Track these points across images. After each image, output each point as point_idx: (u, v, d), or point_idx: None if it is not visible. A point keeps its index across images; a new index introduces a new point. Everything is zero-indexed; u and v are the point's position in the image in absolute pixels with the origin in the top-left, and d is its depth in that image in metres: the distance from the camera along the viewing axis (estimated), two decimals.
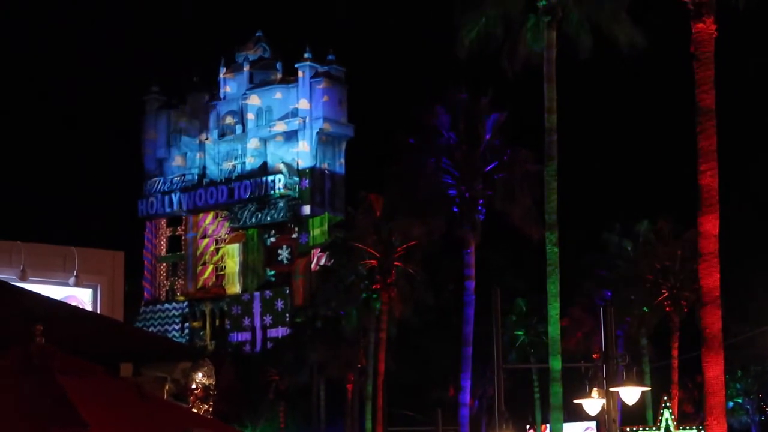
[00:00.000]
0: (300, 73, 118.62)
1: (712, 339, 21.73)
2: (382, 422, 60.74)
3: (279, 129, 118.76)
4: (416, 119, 52.42)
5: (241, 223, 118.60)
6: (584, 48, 33.23)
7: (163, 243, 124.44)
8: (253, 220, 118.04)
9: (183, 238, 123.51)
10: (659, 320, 63.98)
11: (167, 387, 15.43)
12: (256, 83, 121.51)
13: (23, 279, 22.74)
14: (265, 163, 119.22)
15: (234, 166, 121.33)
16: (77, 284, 24.28)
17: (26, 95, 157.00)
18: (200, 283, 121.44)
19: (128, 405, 8.64)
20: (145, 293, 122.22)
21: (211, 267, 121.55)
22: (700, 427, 42.86)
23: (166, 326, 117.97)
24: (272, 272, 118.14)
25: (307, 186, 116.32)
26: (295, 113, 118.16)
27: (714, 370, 21.64)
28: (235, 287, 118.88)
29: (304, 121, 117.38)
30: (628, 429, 47.77)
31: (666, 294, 62.55)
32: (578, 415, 47.74)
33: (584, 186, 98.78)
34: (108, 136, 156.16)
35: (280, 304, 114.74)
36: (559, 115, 32.46)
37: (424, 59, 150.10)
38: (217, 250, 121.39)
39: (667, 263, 63.12)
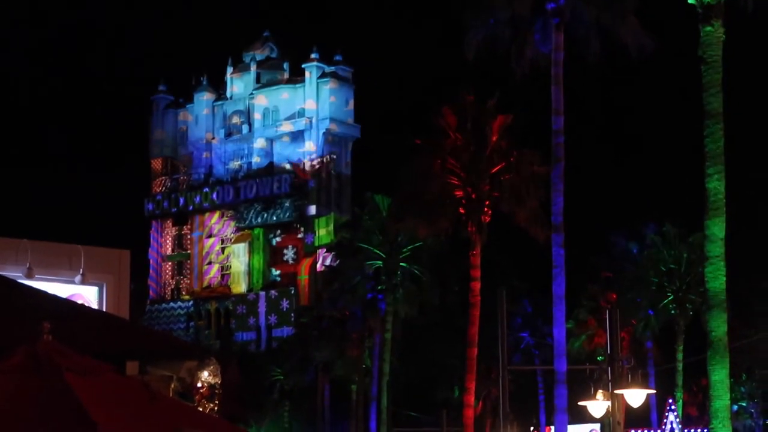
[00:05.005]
0: (307, 74, 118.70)
1: (717, 342, 21.73)
2: (387, 422, 60.76)
3: (285, 129, 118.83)
4: (423, 120, 52.48)
5: (246, 222, 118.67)
6: (592, 50, 33.17)
7: (169, 242, 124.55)
8: (259, 219, 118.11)
9: (189, 237, 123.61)
10: (664, 323, 63.92)
11: (173, 385, 15.45)
12: (263, 83, 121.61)
13: (30, 277, 22.78)
14: (271, 163, 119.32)
15: (240, 166, 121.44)
16: (83, 282, 24.32)
17: (33, 93, 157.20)
18: (206, 283, 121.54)
19: (135, 403, 8.65)
20: (151, 292, 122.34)
21: (216, 266, 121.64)
22: (705, 431, 42.82)
23: (172, 325, 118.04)
24: (278, 272, 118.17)
25: (313, 186, 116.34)
26: (301, 113, 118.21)
27: (719, 374, 21.64)
28: (240, 287, 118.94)
29: (311, 122, 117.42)
30: (633, 431, 47.76)
31: (671, 297, 62.50)
32: (583, 417, 47.66)
33: (591, 188, 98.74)
34: (115, 135, 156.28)
35: (285, 304, 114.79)
36: (566, 117, 32.45)
37: (432, 60, 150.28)
38: (223, 249, 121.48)
39: (673, 266, 63.09)
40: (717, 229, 22.06)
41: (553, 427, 38.28)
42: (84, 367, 8.51)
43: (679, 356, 61.36)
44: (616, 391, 27.57)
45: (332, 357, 76.05)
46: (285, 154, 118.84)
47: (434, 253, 58.73)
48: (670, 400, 47.98)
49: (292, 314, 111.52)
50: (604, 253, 67.65)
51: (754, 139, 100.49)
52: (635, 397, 26.98)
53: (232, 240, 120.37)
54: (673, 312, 62.44)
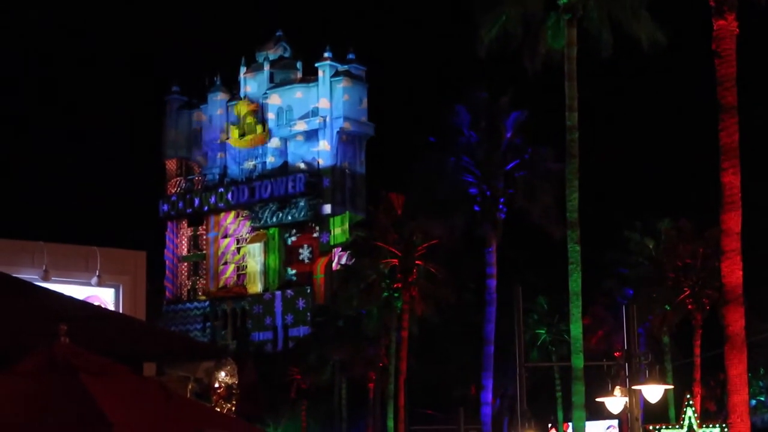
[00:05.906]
0: (320, 72, 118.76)
1: (734, 337, 21.64)
2: (404, 421, 60.75)
3: (299, 128, 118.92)
4: (437, 118, 52.54)
5: (262, 222, 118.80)
6: (605, 45, 33.12)
7: (185, 243, 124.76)
8: (274, 219, 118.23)
9: (204, 237, 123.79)
10: (681, 318, 63.75)
11: (190, 386, 15.48)
12: (277, 83, 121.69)
13: (46, 279, 22.81)
14: (285, 163, 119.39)
15: (255, 166, 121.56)
16: (99, 284, 24.34)
17: (49, 96, 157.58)
18: (221, 283, 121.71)
19: (152, 405, 8.66)
20: (167, 293, 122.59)
21: (232, 266, 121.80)
22: (723, 425, 42.71)
23: (188, 326, 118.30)
24: (293, 271, 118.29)
25: (328, 185, 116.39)
26: (315, 112, 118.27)
27: (737, 368, 21.54)
28: (256, 286, 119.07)
29: (325, 120, 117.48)
30: (650, 427, 47.59)
31: (688, 292, 62.33)
32: (601, 413, 47.59)
33: (606, 184, 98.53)
34: (129, 137, 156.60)
35: (301, 303, 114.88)
36: (580, 113, 32.37)
37: (445, 58, 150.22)
38: (239, 249, 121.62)
39: (689, 261, 62.91)
40: (733, 222, 21.98)
41: (570, 424, 38.19)
42: (100, 369, 8.52)
43: (697, 351, 61.18)
44: (634, 387, 27.52)
45: (349, 356, 76.07)
46: (299, 153, 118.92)
47: (449, 250, 58.65)
48: (688, 395, 47.78)
49: (309, 313, 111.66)
50: (620, 248, 67.45)
51: None
52: (653, 392, 26.91)
53: (248, 240, 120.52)
54: (689, 307, 62.27)
